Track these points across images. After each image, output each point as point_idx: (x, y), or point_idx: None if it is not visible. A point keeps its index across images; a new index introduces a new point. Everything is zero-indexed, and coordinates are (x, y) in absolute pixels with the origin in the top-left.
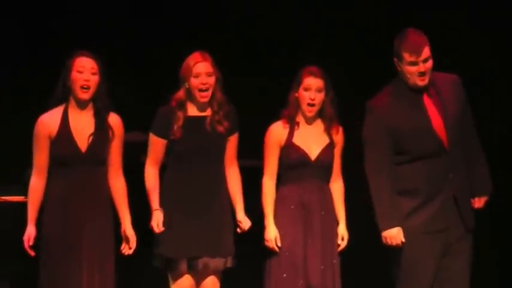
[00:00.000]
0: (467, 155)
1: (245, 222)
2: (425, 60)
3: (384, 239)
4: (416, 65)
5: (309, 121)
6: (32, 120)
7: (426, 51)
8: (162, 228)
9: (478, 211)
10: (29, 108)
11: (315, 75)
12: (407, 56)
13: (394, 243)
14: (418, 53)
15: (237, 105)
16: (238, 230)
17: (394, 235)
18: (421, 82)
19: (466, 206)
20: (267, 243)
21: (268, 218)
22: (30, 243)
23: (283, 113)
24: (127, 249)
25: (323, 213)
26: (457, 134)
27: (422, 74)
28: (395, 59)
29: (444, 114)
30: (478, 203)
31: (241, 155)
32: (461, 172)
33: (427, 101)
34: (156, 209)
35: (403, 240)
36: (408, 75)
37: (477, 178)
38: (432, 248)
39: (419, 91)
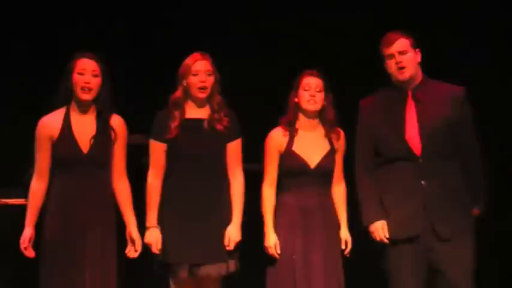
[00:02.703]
0: (464, 167)
1: (232, 239)
2: (401, 53)
3: (371, 234)
4: (393, 57)
5: (309, 126)
6: (33, 122)
7: (401, 43)
8: (159, 248)
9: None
10: (30, 110)
11: (314, 76)
12: (384, 50)
13: (379, 238)
14: (391, 43)
15: (236, 110)
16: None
17: (377, 228)
18: (400, 76)
19: (440, 215)
20: (266, 250)
21: (268, 225)
22: (25, 245)
23: (282, 119)
24: (132, 252)
25: (323, 220)
26: (436, 142)
27: (400, 67)
28: (384, 63)
29: (422, 121)
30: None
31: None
32: (439, 179)
33: (409, 105)
34: (153, 226)
35: (387, 235)
36: (389, 70)
37: (472, 192)
38: (405, 254)
39: (405, 94)
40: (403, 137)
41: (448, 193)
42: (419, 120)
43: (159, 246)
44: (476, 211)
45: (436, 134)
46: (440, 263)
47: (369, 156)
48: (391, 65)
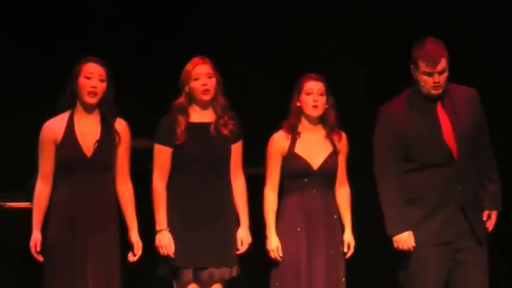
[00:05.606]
0: (480, 169)
1: (245, 241)
2: (440, 72)
3: (395, 244)
4: (432, 76)
5: (312, 129)
6: (37, 126)
7: (443, 63)
8: (172, 250)
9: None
10: (34, 114)
11: (316, 79)
12: (423, 66)
13: (406, 248)
14: (435, 64)
15: (239, 113)
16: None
17: (404, 239)
18: (435, 91)
19: (476, 218)
20: (269, 254)
21: (270, 228)
22: (38, 249)
23: (285, 123)
24: (132, 257)
25: (327, 222)
26: (468, 147)
27: (436, 84)
28: (411, 66)
29: (456, 125)
30: (487, 216)
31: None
32: (470, 184)
33: (440, 110)
34: (163, 229)
35: (414, 244)
36: (422, 84)
37: (487, 193)
38: (438, 260)
39: (433, 100)
40: (444, 142)
41: (475, 197)
42: (452, 125)
43: (172, 248)
44: (494, 213)
45: (468, 138)
46: (472, 266)
47: (396, 163)
48: (428, 81)
